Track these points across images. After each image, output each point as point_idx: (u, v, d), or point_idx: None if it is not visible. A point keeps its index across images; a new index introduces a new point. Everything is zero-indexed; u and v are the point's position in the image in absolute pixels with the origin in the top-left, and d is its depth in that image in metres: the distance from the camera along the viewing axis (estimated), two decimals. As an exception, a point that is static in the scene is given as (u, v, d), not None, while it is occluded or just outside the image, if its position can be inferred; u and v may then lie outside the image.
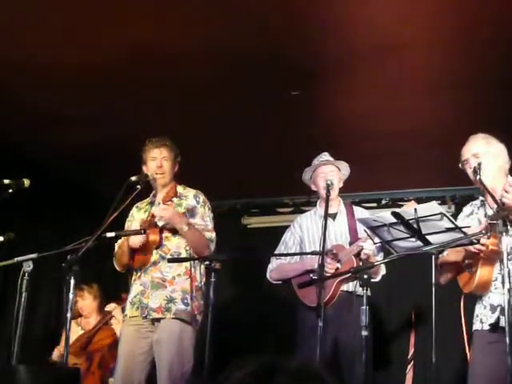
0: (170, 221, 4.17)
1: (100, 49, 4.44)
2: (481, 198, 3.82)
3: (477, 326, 3.64)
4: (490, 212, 3.63)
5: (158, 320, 4.14)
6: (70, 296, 3.52)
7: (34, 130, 5.61)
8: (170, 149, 4.36)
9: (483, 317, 3.59)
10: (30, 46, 4.42)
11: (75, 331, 5.76)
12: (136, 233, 4.18)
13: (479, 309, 3.66)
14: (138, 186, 4.06)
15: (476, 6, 3.93)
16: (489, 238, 3.45)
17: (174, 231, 4.21)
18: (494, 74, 4.61)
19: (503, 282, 3.15)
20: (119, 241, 4.35)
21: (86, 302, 5.82)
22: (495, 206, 3.54)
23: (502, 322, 3.46)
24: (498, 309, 3.52)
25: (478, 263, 3.53)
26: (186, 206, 4.30)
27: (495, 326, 3.52)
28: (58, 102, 5.20)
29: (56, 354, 5.55)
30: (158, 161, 4.32)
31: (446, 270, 3.71)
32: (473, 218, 3.74)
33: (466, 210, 3.89)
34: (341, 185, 4.61)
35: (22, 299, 3.60)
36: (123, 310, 5.45)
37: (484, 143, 3.69)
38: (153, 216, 4.26)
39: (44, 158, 6.03)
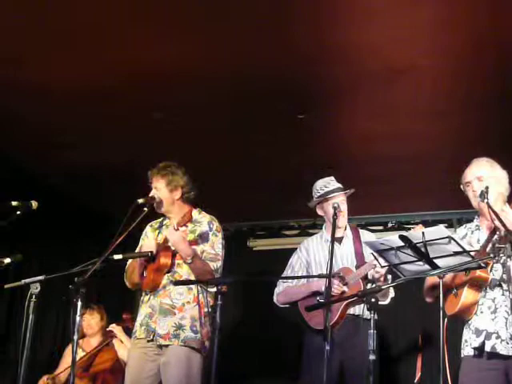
0: (175, 246, 4.16)
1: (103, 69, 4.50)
2: (475, 221, 3.82)
3: (467, 351, 3.59)
4: (484, 237, 3.62)
5: (166, 345, 4.13)
6: (77, 318, 3.51)
7: (46, 154, 5.68)
8: (163, 176, 4.32)
9: (473, 342, 3.56)
10: (39, 70, 4.49)
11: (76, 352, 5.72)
12: (143, 255, 4.18)
13: (467, 334, 3.62)
14: (145, 209, 4.07)
15: (481, 30, 3.95)
16: (497, 262, 3.45)
17: None
18: (499, 98, 4.63)
19: (511, 308, 3.14)
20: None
21: (95, 320, 5.72)
22: (488, 231, 3.55)
23: (488, 347, 3.46)
24: (483, 333, 3.50)
25: (465, 286, 3.52)
26: (199, 233, 4.29)
27: (480, 350, 3.50)
28: (68, 127, 5.26)
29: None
30: (153, 191, 4.33)
31: (434, 291, 3.69)
32: (465, 241, 3.68)
33: (460, 231, 3.87)
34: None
35: (29, 321, 3.59)
36: (124, 330, 5.45)
37: (488, 167, 3.69)
38: (166, 239, 4.26)
39: (54, 181, 6.08)
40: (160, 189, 4.32)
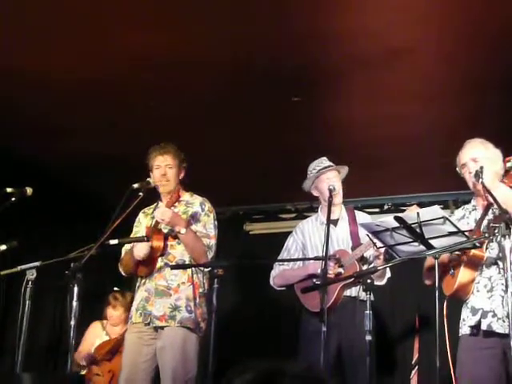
0: (170, 222, 4.17)
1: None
2: (472, 202, 3.82)
3: (465, 330, 3.62)
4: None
5: (162, 327, 4.14)
6: (74, 304, 3.51)
7: (46, 142, 5.68)
8: (173, 156, 4.35)
9: (469, 320, 3.58)
10: (38, 59, 4.47)
11: (99, 334, 5.69)
12: (139, 240, 4.18)
13: (465, 313, 3.64)
14: (140, 194, 4.06)
15: (478, 12, 3.92)
16: (492, 241, 3.46)
17: (179, 239, 4.21)
18: (498, 79, 4.61)
19: (507, 286, 3.15)
20: (127, 247, 4.35)
21: (117, 312, 5.69)
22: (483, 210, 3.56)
23: (484, 326, 3.48)
24: (480, 312, 3.52)
25: (460, 266, 3.53)
26: (191, 213, 4.31)
27: (477, 329, 3.51)
28: (68, 114, 5.25)
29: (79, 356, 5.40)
30: (161, 169, 4.33)
31: (432, 273, 3.70)
32: (463, 222, 3.71)
33: (458, 213, 3.88)
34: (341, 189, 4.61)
35: (26, 307, 3.60)
36: None
37: (482, 148, 3.69)
38: (158, 222, 4.26)
39: (52, 168, 6.07)
40: (173, 166, 4.34)
